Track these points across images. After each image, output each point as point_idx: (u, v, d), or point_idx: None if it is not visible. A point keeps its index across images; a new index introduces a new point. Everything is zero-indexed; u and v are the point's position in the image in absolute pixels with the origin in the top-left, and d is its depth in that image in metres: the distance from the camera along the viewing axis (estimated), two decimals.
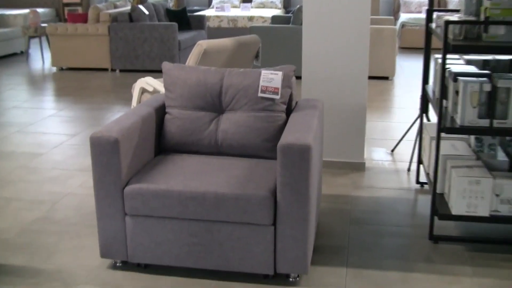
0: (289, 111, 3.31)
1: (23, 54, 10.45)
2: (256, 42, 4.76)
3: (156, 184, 2.86)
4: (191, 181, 2.87)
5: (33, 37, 9.80)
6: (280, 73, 3.19)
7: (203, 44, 4.25)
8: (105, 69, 8.88)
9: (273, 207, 2.75)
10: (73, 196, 4.09)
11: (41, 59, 9.85)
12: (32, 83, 7.99)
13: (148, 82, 4.72)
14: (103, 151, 2.86)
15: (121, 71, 8.73)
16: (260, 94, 3.18)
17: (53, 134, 5.63)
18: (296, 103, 3.44)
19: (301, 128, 2.87)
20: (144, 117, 3.17)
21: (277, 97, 3.16)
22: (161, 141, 3.34)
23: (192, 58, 4.28)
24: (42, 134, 5.63)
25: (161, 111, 3.38)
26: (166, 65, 3.39)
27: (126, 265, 3.13)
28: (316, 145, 2.90)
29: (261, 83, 3.18)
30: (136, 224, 2.93)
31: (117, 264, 3.13)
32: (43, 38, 12.03)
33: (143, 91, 4.81)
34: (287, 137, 2.73)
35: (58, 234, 3.53)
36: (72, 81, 8.12)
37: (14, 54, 10.45)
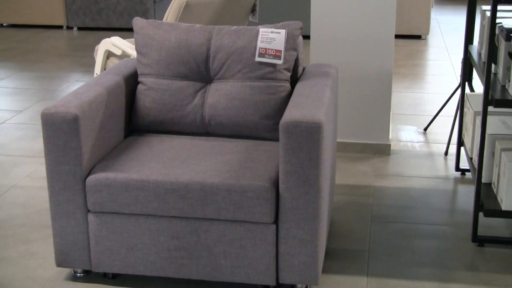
0: (294, 79, 3.34)
1: None
2: None
3: (126, 173, 2.89)
4: (171, 169, 2.90)
5: None
6: (283, 32, 3.21)
7: None
8: (59, 27, 8.87)
9: (274, 201, 2.79)
10: (20, 190, 4.12)
11: None
12: None
13: (115, 44, 4.73)
14: (59, 131, 2.88)
15: (79, 29, 8.73)
16: (257, 59, 3.20)
17: None
18: (304, 69, 3.47)
19: (310, 101, 2.90)
20: (110, 88, 3.19)
21: (279, 61, 3.19)
22: (133, 118, 3.37)
23: (170, 14, 4.30)
24: None
25: (132, 81, 3.40)
26: (138, 22, 3.40)
27: (89, 275, 3.17)
28: (328, 122, 2.93)
29: (259, 44, 3.21)
30: (101, 224, 2.96)
31: (78, 275, 3.16)
32: None
33: (109, 55, 4.83)
34: (292, 113, 2.76)
35: (0, 239, 3.56)
36: (15, 42, 8.12)
37: None
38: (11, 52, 7.63)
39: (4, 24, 8.95)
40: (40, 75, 6.67)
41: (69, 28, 8.77)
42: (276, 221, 2.83)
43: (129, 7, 8.33)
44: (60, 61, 7.18)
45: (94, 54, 5.01)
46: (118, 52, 4.72)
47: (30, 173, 4.36)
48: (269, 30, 3.22)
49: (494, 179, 3.41)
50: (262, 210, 2.79)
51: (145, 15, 8.31)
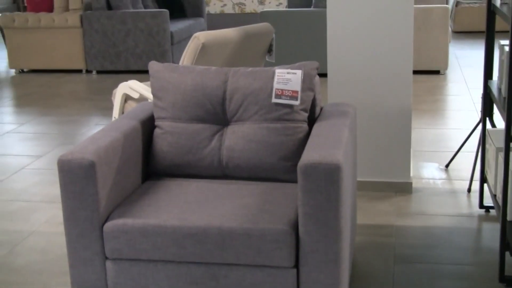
0: (312, 120, 3.30)
1: None
2: (268, 32, 4.77)
3: (144, 219, 2.85)
4: (189, 214, 2.86)
5: None
6: (299, 72, 3.18)
7: (200, 37, 4.26)
8: (78, 71, 8.90)
9: (294, 245, 2.73)
10: (39, 236, 4.09)
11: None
12: None
13: (132, 87, 4.73)
14: (75, 178, 2.85)
15: (98, 72, 8.75)
16: (274, 100, 3.17)
17: (12, 156, 5.65)
18: (321, 109, 3.43)
19: (328, 142, 2.86)
20: (127, 133, 3.16)
21: (296, 102, 3.16)
22: (150, 162, 3.34)
23: (187, 56, 4.29)
24: None
25: (149, 124, 3.38)
26: (153, 66, 3.39)
27: None
28: (348, 163, 2.88)
29: (276, 85, 3.18)
30: (119, 271, 2.92)
31: None
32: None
33: (127, 98, 4.83)
34: (310, 154, 2.71)
35: (19, 286, 3.52)
36: (36, 87, 8.14)
37: None
38: (31, 97, 7.66)
39: (24, 70, 8.99)
40: (60, 120, 6.68)
41: (88, 71, 8.80)
42: (296, 265, 2.77)
43: (147, 50, 8.35)
44: (80, 105, 7.19)
45: (112, 98, 5.01)
46: (136, 96, 4.72)
47: (49, 218, 4.34)
48: (285, 71, 3.20)
49: None
50: (281, 254, 2.73)
51: (163, 57, 8.32)
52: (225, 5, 11.05)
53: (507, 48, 3.55)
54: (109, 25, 8.39)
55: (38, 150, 5.77)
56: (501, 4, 3.53)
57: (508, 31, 9.62)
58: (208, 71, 3.30)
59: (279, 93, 3.17)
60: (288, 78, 3.17)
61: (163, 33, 8.29)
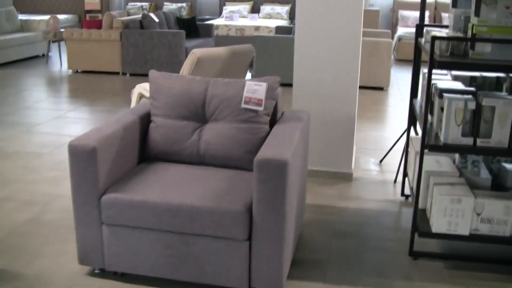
0: (273, 122, 3.03)
1: (44, 57, 10.23)
2: (250, 52, 4.48)
3: (132, 194, 2.59)
4: (168, 193, 2.60)
5: (54, 41, 9.58)
6: (264, 84, 2.91)
7: (196, 52, 3.97)
8: (116, 73, 8.64)
9: (248, 223, 2.47)
10: (65, 199, 3.83)
11: (59, 62, 9.62)
12: (48, 85, 7.76)
13: (146, 88, 4.45)
14: (80, 159, 2.59)
15: (131, 75, 8.49)
16: (243, 105, 2.90)
17: (58, 135, 5.38)
18: (282, 114, 3.16)
19: (281, 142, 2.59)
20: (127, 125, 2.90)
21: (260, 108, 2.89)
22: (145, 149, 3.07)
23: (186, 67, 4.01)
24: (48, 134, 5.38)
25: (146, 119, 3.11)
26: (152, 74, 3.12)
27: (104, 273, 2.87)
28: (296, 160, 2.62)
29: (245, 94, 2.91)
30: (112, 233, 2.66)
31: (95, 271, 2.87)
32: (62, 43, 11.81)
33: (141, 96, 4.55)
34: (264, 152, 2.45)
35: (44, 237, 3.27)
36: (85, 83, 7.88)
37: (36, 57, 10.24)
38: (80, 91, 7.39)
39: (78, 70, 8.73)
40: (97, 109, 6.40)
41: (124, 74, 8.52)
42: (249, 239, 2.51)
43: (168, 59, 8.08)
44: (114, 99, 6.90)
45: (131, 95, 4.73)
46: (147, 95, 4.44)
47: None
48: (253, 83, 2.93)
49: (428, 206, 3.08)
50: (238, 229, 2.47)
51: (179, 65, 8.04)
52: (230, 29, 10.73)
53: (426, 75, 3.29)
54: (141, 40, 8.12)
55: (77, 131, 5.51)
56: (425, 42, 3.26)
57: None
58: (193, 80, 3.03)
59: (247, 100, 2.90)
60: (255, 89, 2.90)
61: (180, 48, 8.00)
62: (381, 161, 4.64)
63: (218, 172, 2.87)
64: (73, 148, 2.60)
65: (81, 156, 2.59)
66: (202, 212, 2.48)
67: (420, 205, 3.15)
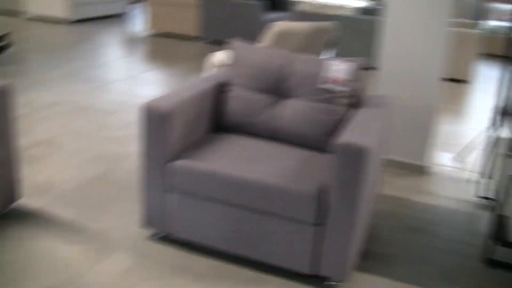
0: (355, 106, 2.90)
1: (123, 16, 10.36)
2: (331, 30, 4.34)
3: (205, 164, 2.55)
4: (239, 166, 2.54)
5: (136, 1, 9.68)
6: (346, 65, 2.78)
7: (278, 25, 3.87)
8: (194, 38, 8.64)
9: (318, 206, 2.38)
10: (133, 159, 3.84)
11: (138, 23, 9.73)
12: (125, 44, 7.85)
13: (222, 57, 4.39)
14: (154, 122, 2.56)
15: (207, 41, 8.47)
16: (322, 85, 2.79)
17: (130, 94, 5.43)
18: (366, 98, 3.02)
19: (363, 128, 2.47)
20: (202, 92, 2.85)
21: (340, 89, 2.77)
22: (219, 118, 3.02)
23: (267, 38, 3.92)
24: (120, 93, 5.44)
25: (221, 88, 3.04)
26: (236, 43, 3.04)
27: (166, 239, 2.85)
28: (376, 147, 2.50)
29: (326, 73, 2.79)
30: (180, 200, 2.63)
31: (158, 236, 2.86)
32: (143, 3, 11.93)
33: (217, 65, 4.50)
34: (345, 136, 2.34)
35: (110, 195, 3.30)
36: (162, 45, 7.93)
37: (116, 15, 10.38)
38: (155, 53, 7.44)
39: (157, 32, 8.79)
40: (171, 72, 6.42)
41: (200, 40, 8.51)
42: (318, 223, 2.42)
43: (244, 30, 8.00)
44: (189, 64, 6.90)
45: (206, 62, 4.69)
46: (223, 64, 4.38)
47: None
48: (336, 62, 2.80)
49: (510, 213, 2.89)
50: (307, 213, 2.39)
51: (254, 36, 7.94)
52: (311, 5, 10.51)
53: None
54: (221, 8, 8.08)
55: (150, 92, 5.54)
56: None
57: None
58: (274, 53, 2.94)
59: (327, 80, 2.79)
60: (337, 69, 2.78)
61: (257, 20, 7.92)
62: (459, 157, 4.43)
63: (290, 151, 2.78)
64: (148, 110, 2.57)
65: (155, 119, 2.56)
66: (273, 190, 2.41)
67: (501, 212, 2.97)
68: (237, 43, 3.04)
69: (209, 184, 2.53)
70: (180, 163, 2.57)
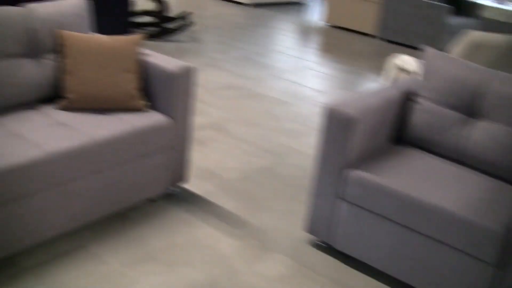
0: None
1: (303, 5, 10.39)
2: None
3: (380, 178, 2.42)
4: (418, 186, 2.37)
5: None
6: None
7: (475, 35, 3.58)
8: (370, 35, 8.43)
9: (502, 247, 2.14)
10: (303, 155, 3.80)
11: (315, 13, 9.71)
12: (301, 33, 7.86)
13: (406, 61, 4.18)
14: (337, 126, 2.47)
15: (386, 40, 8.22)
16: None
17: (303, 86, 5.40)
18: None
19: None
20: (389, 100, 2.70)
21: None
22: (401, 129, 2.86)
23: (459, 48, 3.65)
24: (293, 83, 5.43)
25: (406, 98, 2.87)
26: (430, 51, 2.85)
27: (328, 249, 2.76)
28: None
29: None
30: (349, 211, 2.53)
31: (319, 244, 2.78)
32: None
33: (400, 69, 4.29)
34: None
35: (275, 190, 3.28)
36: (337, 39, 7.83)
37: (295, 3, 10.44)
38: (330, 45, 7.36)
39: (333, 25, 8.71)
40: (345, 68, 6.30)
41: (379, 38, 8.27)
42: (498, 265, 2.19)
43: (426, 32, 7.61)
44: (364, 62, 6.73)
45: (386, 64, 4.50)
46: (410, 69, 4.17)
47: (315, 145, 4.01)
48: None
49: None
50: (487, 250, 2.17)
51: (437, 41, 7.54)
52: (499, 13, 9.79)
53: None
54: (403, 7, 7.77)
55: (322, 87, 5.47)
56: None
57: None
58: (472, 67, 2.70)
59: None
60: None
61: (441, 23, 7.49)
62: None
63: (478, 178, 2.55)
64: (332, 113, 2.48)
65: (339, 124, 2.47)
66: (454, 220, 2.22)
67: None
68: (431, 51, 2.85)
69: (382, 201, 2.39)
70: (355, 173, 2.46)
